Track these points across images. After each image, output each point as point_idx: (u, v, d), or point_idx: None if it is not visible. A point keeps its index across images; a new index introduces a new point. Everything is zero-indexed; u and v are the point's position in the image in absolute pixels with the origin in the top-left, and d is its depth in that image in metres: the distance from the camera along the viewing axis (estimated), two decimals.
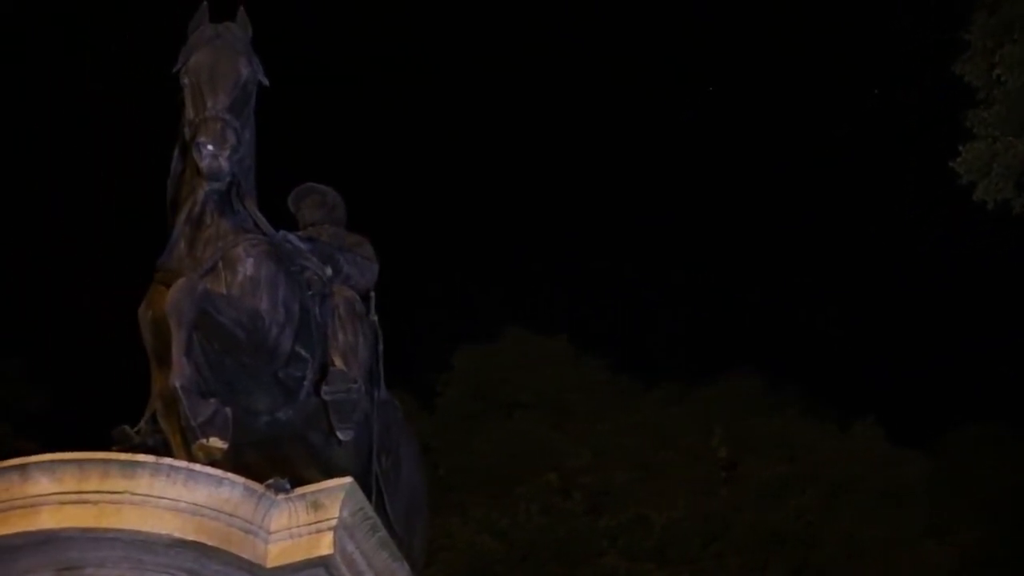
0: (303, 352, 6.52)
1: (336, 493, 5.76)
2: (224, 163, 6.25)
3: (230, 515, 5.59)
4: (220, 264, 6.29)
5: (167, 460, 5.65)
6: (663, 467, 19.00)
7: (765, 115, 22.61)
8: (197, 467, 5.62)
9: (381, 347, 7.20)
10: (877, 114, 20.33)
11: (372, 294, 7.35)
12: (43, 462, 5.46)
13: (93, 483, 5.42)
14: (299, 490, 5.77)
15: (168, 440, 6.20)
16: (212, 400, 5.88)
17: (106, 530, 5.42)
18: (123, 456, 5.61)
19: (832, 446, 19.18)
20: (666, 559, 18.02)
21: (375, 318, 7.24)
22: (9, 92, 20.18)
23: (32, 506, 5.43)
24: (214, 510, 5.54)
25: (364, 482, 6.39)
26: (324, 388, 6.53)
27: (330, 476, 5.96)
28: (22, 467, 5.46)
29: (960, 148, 11.87)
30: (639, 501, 18.41)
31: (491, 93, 22.97)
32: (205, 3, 6.68)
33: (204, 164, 6.25)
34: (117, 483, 5.43)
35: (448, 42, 22.60)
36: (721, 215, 23.27)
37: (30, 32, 20.55)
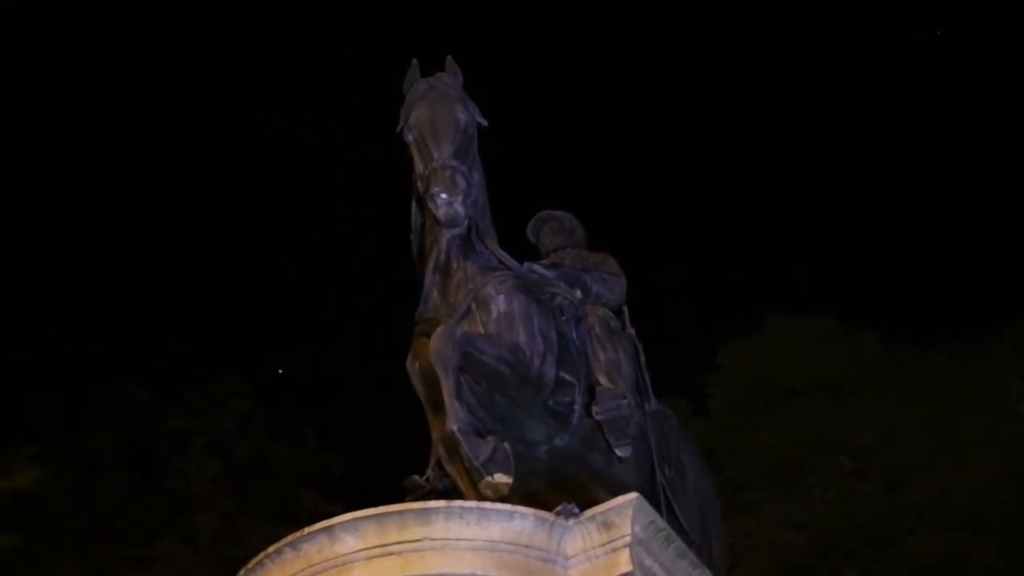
0: (568, 377, 6.59)
1: (625, 510, 5.77)
2: (459, 208, 6.43)
3: (526, 547, 5.69)
4: (473, 306, 6.45)
5: (457, 502, 5.81)
6: (960, 432, 17.98)
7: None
8: (487, 505, 5.76)
9: (643, 358, 7.19)
10: None
11: (624, 308, 7.36)
12: (346, 521, 5.73)
13: (393, 535, 5.64)
14: (588, 512, 5.81)
15: (456, 483, 6.37)
16: (490, 438, 6.01)
17: None
18: (416, 505, 5.81)
19: None
20: (983, 528, 17.03)
21: (632, 331, 7.24)
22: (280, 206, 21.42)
23: (344, 564, 5.71)
24: (510, 544, 5.66)
25: (650, 495, 6.38)
26: (595, 408, 6.58)
27: (615, 494, 5.98)
28: (328, 529, 5.75)
29: None
30: (941, 471, 17.51)
31: (716, 89, 22.77)
32: (415, 60, 6.90)
33: (440, 213, 6.44)
34: (415, 531, 5.63)
35: (648, 46, 22.58)
36: (971, 163, 22.09)
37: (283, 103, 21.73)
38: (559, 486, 6.39)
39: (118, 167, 21.49)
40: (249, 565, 5.99)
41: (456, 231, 6.55)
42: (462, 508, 5.71)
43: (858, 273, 22.10)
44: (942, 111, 22.40)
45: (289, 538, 5.85)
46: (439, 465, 6.55)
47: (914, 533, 17.22)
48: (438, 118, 6.61)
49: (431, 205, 6.46)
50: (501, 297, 6.47)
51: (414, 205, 6.84)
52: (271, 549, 5.89)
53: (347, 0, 21.49)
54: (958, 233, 22.12)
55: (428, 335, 6.31)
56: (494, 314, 6.42)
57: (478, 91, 6.86)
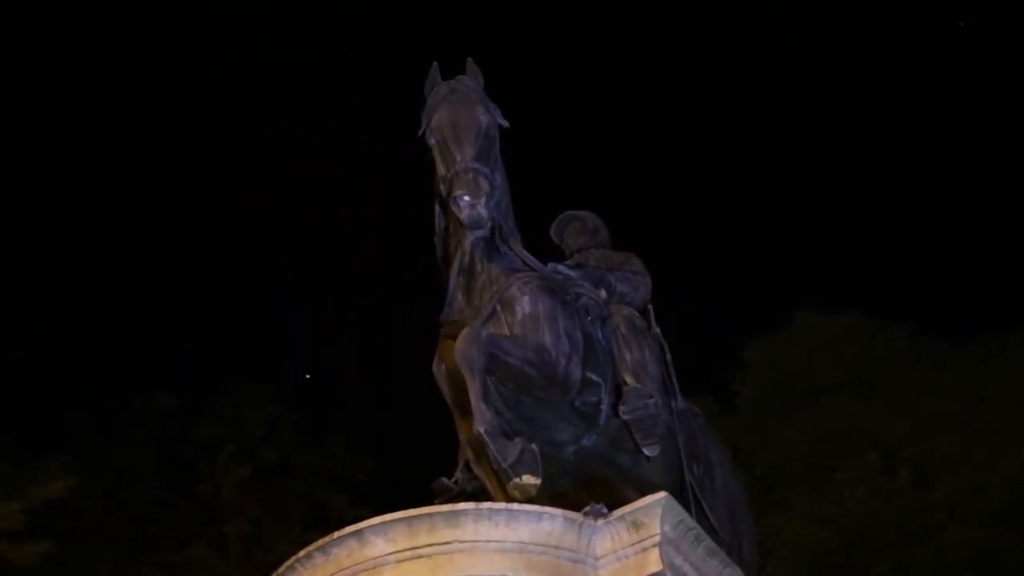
0: (594, 377, 6.58)
1: (654, 509, 5.76)
2: (482, 210, 6.44)
3: (556, 548, 5.69)
4: (498, 307, 6.46)
5: (486, 504, 5.81)
6: (989, 428, 17.84)
7: None
8: (515, 506, 5.76)
9: (669, 357, 7.17)
10: None
11: (650, 307, 7.34)
12: (375, 525, 5.74)
13: (423, 537, 5.65)
14: (617, 512, 5.80)
15: (485, 485, 6.38)
16: (517, 439, 6.01)
17: None
18: (445, 508, 5.82)
19: None
20: (1016, 523, 16.88)
21: (657, 330, 7.22)
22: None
23: (374, 567, 5.72)
24: (539, 545, 5.66)
25: (679, 494, 6.37)
26: (622, 408, 6.57)
27: (644, 494, 5.97)
28: (358, 533, 5.76)
29: None
30: (970, 467, 17.37)
31: (742, 90, 22.74)
32: (435, 64, 6.90)
33: (464, 215, 6.44)
34: (444, 534, 5.64)
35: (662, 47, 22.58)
36: (1001, 159, 21.95)
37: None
38: (587, 486, 6.39)
39: (119, 168, 21.61)
40: (279, 570, 6.01)
41: (480, 233, 6.55)
42: (491, 510, 5.71)
43: (886, 269, 22.00)
44: (967, 109, 22.29)
45: (319, 542, 5.86)
46: (467, 467, 6.55)
47: (944, 529, 17.10)
48: (460, 121, 6.61)
49: (454, 208, 6.47)
50: (526, 298, 6.47)
51: (437, 208, 6.85)
52: (301, 554, 5.91)
53: (347, 0, 21.51)
54: (986, 229, 21.98)
55: (453, 337, 6.32)
56: (519, 315, 6.42)
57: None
